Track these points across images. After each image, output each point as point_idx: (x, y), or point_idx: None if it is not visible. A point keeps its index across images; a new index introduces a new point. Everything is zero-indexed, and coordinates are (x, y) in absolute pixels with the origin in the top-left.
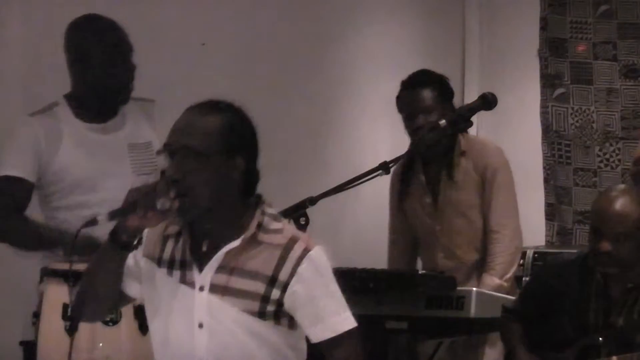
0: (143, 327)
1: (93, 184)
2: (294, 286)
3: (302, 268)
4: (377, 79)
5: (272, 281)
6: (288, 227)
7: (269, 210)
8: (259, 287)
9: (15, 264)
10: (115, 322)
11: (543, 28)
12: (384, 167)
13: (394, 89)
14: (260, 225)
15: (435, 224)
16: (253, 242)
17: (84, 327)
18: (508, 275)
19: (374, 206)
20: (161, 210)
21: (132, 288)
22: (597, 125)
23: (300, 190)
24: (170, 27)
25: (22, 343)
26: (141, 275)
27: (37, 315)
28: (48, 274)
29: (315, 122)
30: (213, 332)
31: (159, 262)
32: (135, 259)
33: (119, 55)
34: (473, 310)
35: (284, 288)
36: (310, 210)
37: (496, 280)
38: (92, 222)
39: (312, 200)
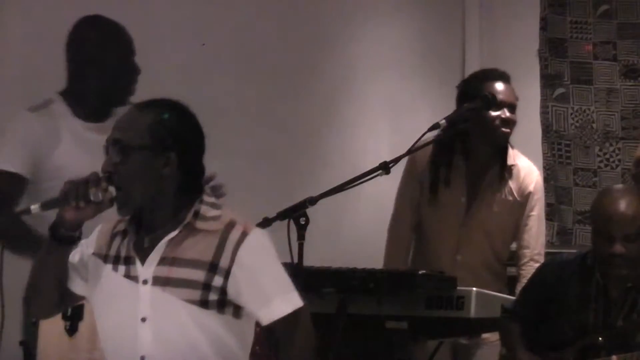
0: None
1: None
2: (236, 271)
3: (241, 252)
4: (377, 79)
5: (212, 268)
6: (226, 213)
7: (208, 199)
8: (199, 275)
9: (15, 264)
10: None
11: (543, 28)
12: (384, 167)
13: (394, 89)
14: (197, 214)
15: (461, 226)
16: (191, 230)
17: (84, 327)
18: None
19: (374, 206)
20: (95, 201)
21: (77, 285)
22: (597, 125)
23: (300, 190)
24: (170, 27)
25: (22, 343)
26: (88, 273)
27: None
28: None
29: (315, 122)
30: (156, 325)
31: (105, 258)
32: (81, 256)
33: (123, 56)
34: (473, 310)
35: (226, 275)
36: (310, 210)
37: None
38: (25, 211)
39: (312, 200)
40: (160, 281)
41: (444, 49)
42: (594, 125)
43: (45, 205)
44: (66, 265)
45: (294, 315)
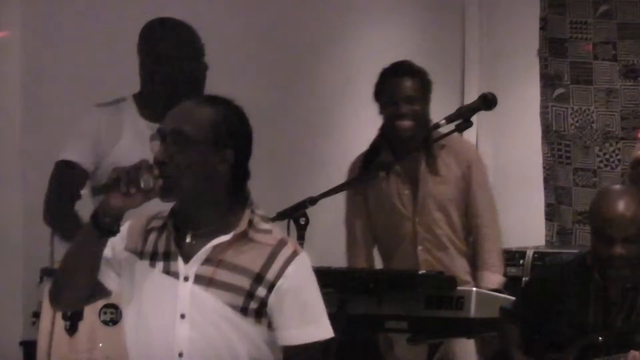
0: None
1: None
2: (282, 285)
3: (290, 269)
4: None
5: (258, 279)
6: (277, 230)
7: (259, 211)
8: (245, 282)
9: (15, 264)
10: (115, 322)
11: (543, 28)
12: (384, 167)
13: None
14: (250, 223)
15: (415, 216)
16: (243, 238)
17: (84, 327)
18: (503, 272)
19: None
20: (145, 189)
21: (110, 279)
22: (597, 125)
23: (300, 190)
24: None
25: (22, 343)
26: (120, 268)
27: (37, 315)
28: (48, 274)
29: (315, 122)
30: (195, 323)
31: (141, 254)
32: (114, 252)
33: (192, 54)
34: (473, 310)
35: (271, 287)
36: (310, 210)
37: (500, 277)
38: (76, 195)
39: (312, 200)
40: (202, 281)
41: (444, 49)
42: (594, 126)
43: (96, 191)
44: (101, 257)
45: (315, 345)
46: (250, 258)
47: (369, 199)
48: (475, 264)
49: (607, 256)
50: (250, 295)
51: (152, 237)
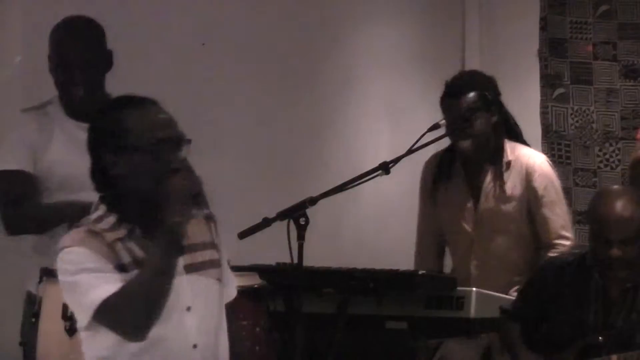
0: None
1: (81, 184)
2: (221, 246)
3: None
4: (378, 79)
5: (213, 245)
6: None
7: None
8: (214, 254)
9: (15, 264)
10: None
11: (543, 28)
12: (384, 167)
13: (394, 89)
14: None
15: (473, 231)
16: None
17: None
18: None
19: (374, 206)
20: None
21: None
22: (597, 125)
23: (300, 190)
24: (170, 27)
25: (22, 343)
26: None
27: (37, 315)
28: (48, 274)
29: (316, 122)
30: (199, 312)
31: (122, 267)
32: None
33: (90, 49)
34: (473, 311)
35: (218, 250)
36: (310, 210)
37: None
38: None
39: (312, 200)
40: (191, 268)
41: (444, 49)
42: (594, 126)
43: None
44: None
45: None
46: (199, 232)
47: (438, 203)
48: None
49: (604, 258)
50: (218, 263)
51: (119, 247)
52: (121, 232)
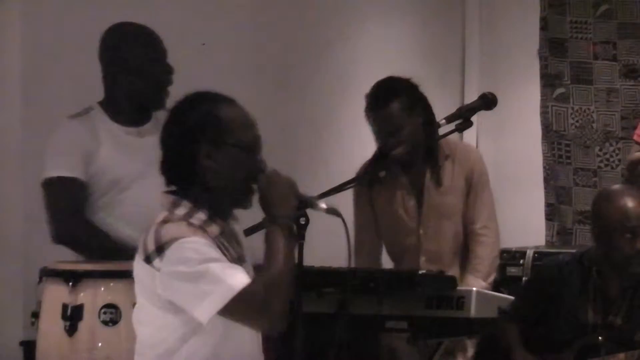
0: None
1: (128, 183)
2: None
3: None
4: (378, 79)
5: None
6: None
7: None
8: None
9: (15, 264)
10: (115, 322)
11: (543, 28)
12: (384, 167)
13: None
14: None
15: (419, 228)
16: None
17: (84, 327)
18: (491, 278)
19: None
20: None
21: None
22: (597, 125)
23: (300, 190)
24: (170, 27)
25: (22, 343)
26: None
27: (37, 315)
28: (48, 274)
29: (316, 122)
30: None
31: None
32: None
33: (154, 59)
34: (473, 310)
35: None
36: (310, 210)
37: (482, 283)
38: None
39: (312, 200)
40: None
41: (444, 49)
42: (594, 125)
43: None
44: None
45: None
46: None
47: (376, 207)
48: (463, 266)
49: (630, 253)
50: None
51: (220, 243)
52: (215, 229)
